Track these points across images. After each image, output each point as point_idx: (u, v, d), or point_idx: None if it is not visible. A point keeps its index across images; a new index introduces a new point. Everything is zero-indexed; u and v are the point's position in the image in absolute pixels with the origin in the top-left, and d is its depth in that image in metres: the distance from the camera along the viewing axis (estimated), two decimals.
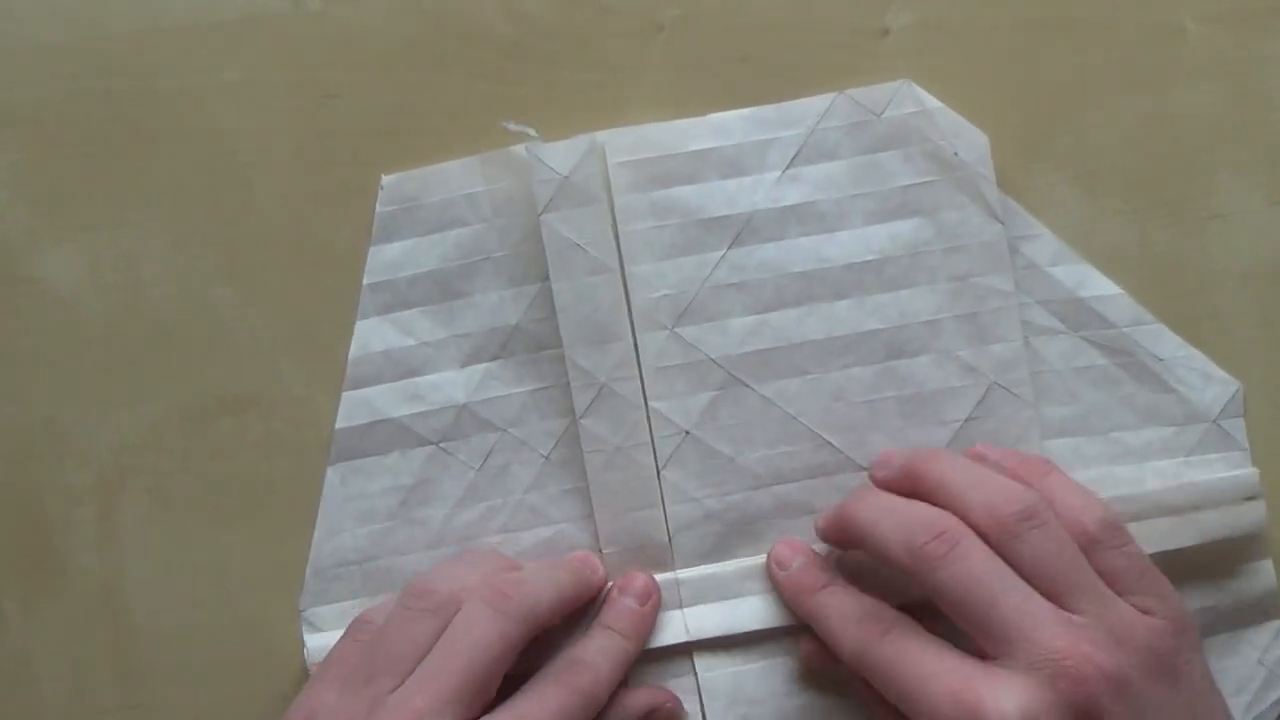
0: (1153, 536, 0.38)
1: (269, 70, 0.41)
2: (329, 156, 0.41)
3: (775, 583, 0.39)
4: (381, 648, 0.35)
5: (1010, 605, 0.33)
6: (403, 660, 0.35)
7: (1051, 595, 0.34)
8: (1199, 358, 0.40)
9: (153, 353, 0.41)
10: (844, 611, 0.37)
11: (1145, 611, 0.34)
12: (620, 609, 0.39)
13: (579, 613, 0.39)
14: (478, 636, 0.35)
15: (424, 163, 0.40)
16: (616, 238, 0.39)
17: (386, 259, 0.40)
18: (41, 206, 0.41)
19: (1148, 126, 0.40)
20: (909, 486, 0.37)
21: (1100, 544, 0.35)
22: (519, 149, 0.40)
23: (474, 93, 0.40)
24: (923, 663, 0.34)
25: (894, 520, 0.35)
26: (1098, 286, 0.40)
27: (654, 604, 0.39)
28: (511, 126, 0.39)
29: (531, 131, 0.39)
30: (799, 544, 0.39)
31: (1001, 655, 0.33)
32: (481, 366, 0.40)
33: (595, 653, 0.37)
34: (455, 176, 0.40)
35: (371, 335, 0.40)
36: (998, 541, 0.34)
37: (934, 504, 0.36)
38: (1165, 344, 0.40)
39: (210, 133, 0.41)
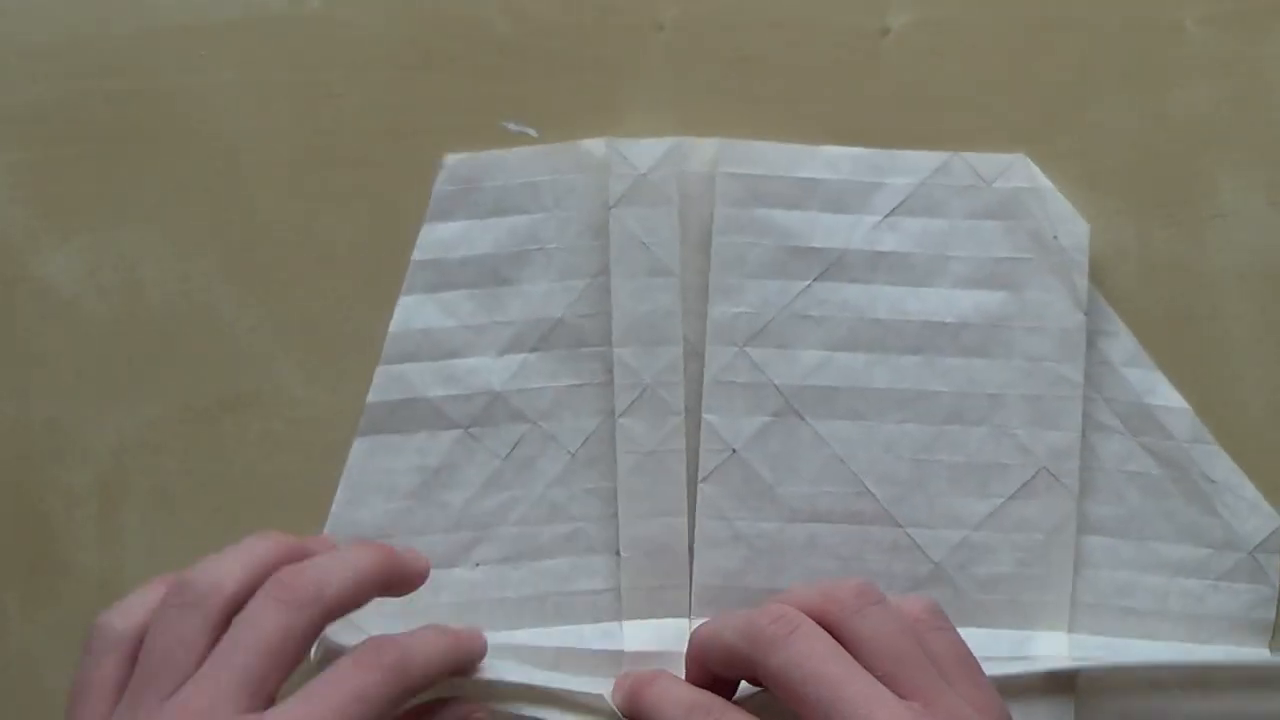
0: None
1: (269, 70, 0.41)
2: (329, 156, 0.41)
3: (617, 702, 0.37)
4: (148, 656, 0.33)
5: (854, 689, 0.32)
6: (173, 663, 0.32)
7: (890, 680, 0.32)
8: (1249, 488, 0.40)
9: (153, 353, 0.41)
10: (676, 698, 0.35)
11: (969, 701, 0.33)
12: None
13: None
14: (258, 631, 0.32)
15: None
16: (709, 247, 0.39)
17: (439, 238, 0.40)
18: (41, 206, 0.41)
19: (1148, 126, 0.40)
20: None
21: (924, 623, 0.34)
22: (593, 143, 0.39)
23: (474, 93, 0.40)
24: None
25: (736, 619, 0.35)
26: (1165, 396, 0.40)
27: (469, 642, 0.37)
28: (511, 126, 0.39)
29: (532, 131, 0.39)
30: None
31: None
32: (519, 356, 0.40)
33: (408, 634, 0.35)
34: (519, 164, 0.40)
35: (414, 312, 0.40)
36: (837, 621, 0.33)
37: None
38: (1219, 467, 0.40)
39: (210, 133, 0.41)
